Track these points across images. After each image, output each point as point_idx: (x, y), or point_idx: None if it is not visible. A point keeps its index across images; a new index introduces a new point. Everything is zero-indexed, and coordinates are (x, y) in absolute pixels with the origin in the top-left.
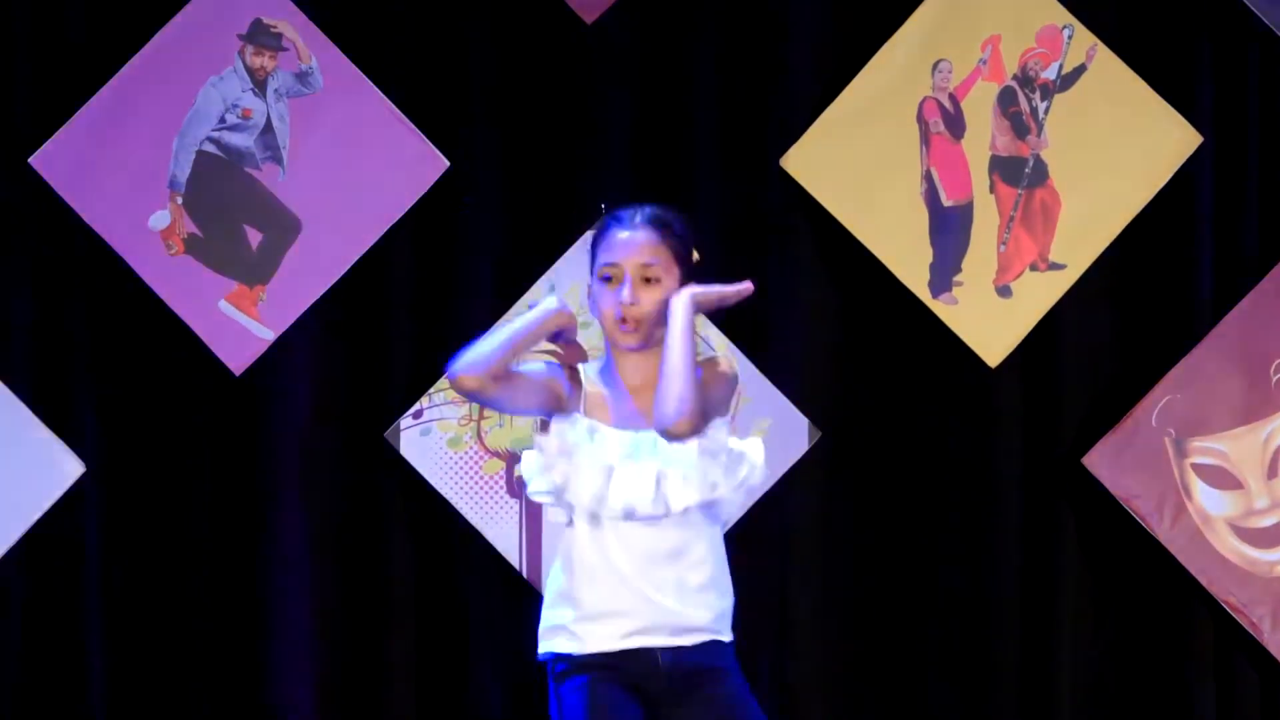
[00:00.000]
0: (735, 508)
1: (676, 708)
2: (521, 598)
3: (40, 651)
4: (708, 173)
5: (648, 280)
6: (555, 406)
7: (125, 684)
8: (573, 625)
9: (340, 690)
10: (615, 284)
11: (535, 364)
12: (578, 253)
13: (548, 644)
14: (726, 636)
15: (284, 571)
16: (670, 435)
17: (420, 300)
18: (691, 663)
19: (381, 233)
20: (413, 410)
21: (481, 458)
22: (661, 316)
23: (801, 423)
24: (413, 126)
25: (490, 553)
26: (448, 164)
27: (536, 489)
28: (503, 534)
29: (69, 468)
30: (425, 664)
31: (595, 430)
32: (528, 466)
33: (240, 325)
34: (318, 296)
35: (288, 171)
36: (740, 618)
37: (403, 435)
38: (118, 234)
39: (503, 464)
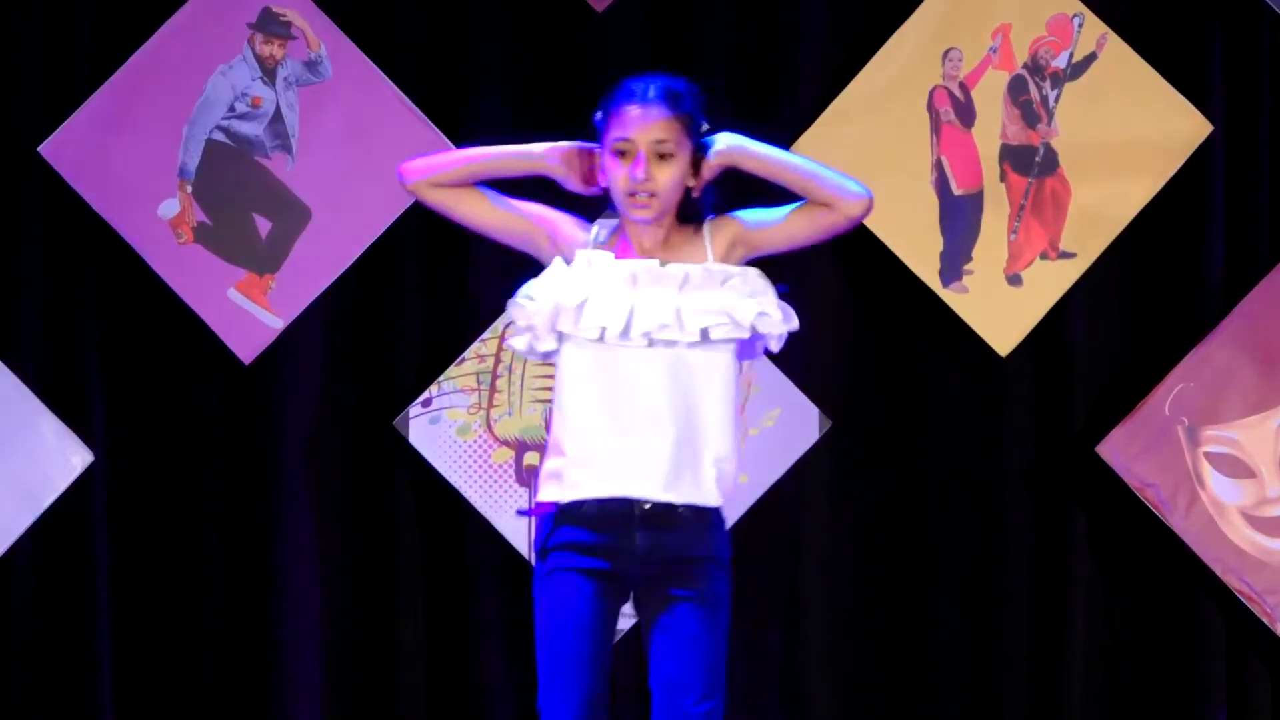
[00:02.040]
0: (753, 345)
1: (651, 596)
2: (529, 586)
3: (49, 641)
4: None
5: (661, 156)
6: (539, 245)
7: (133, 673)
8: (565, 469)
9: (349, 678)
10: (628, 159)
11: (535, 204)
12: None
13: (540, 493)
14: (716, 501)
15: (292, 560)
16: (863, 211)
17: (429, 289)
18: (673, 547)
19: (391, 221)
20: (421, 398)
21: (490, 446)
22: (673, 191)
23: (812, 412)
24: (422, 115)
25: (499, 541)
26: None
27: (527, 315)
28: (511, 523)
29: (78, 457)
30: (433, 652)
31: (611, 259)
32: (526, 293)
33: (250, 314)
34: (327, 285)
35: (297, 160)
36: (750, 607)
37: (411, 424)
38: (127, 223)
39: (512, 452)
